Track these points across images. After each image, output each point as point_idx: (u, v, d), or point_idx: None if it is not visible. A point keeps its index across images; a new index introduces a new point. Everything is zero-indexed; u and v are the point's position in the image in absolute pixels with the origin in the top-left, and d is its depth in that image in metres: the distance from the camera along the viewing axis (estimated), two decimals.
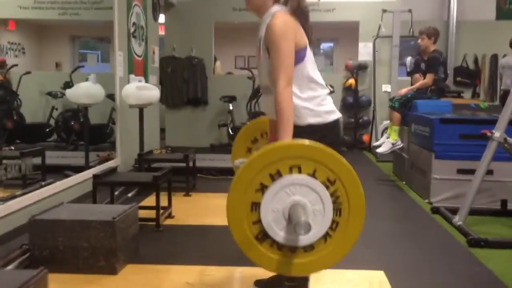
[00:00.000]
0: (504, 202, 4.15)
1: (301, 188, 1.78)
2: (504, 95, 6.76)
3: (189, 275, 2.80)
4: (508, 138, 3.68)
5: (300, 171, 1.77)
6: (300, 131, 2.00)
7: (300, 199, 1.78)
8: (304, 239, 1.78)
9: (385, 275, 2.83)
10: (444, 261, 3.16)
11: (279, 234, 1.79)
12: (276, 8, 2.07)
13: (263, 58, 2.08)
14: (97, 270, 2.76)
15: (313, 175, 1.77)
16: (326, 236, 1.81)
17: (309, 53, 2.09)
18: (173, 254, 3.20)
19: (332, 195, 1.78)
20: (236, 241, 1.83)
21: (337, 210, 1.79)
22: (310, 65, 2.08)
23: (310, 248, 1.81)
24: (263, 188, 1.78)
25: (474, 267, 3.04)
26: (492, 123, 3.95)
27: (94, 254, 2.76)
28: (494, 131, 3.73)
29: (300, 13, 2.08)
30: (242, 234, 1.81)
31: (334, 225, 1.80)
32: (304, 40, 2.07)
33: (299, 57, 2.03)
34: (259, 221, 1.79)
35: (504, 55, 9.00)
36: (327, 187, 1.78)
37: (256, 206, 1.79)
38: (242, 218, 1.80)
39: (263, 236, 1.81)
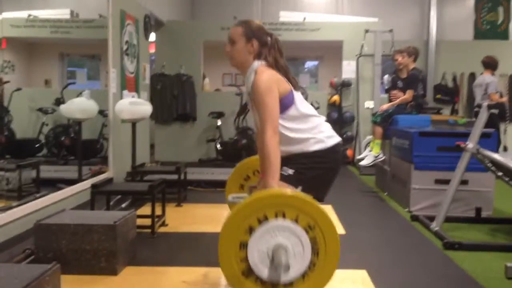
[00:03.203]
0: (478, 210, 4.40)
1: (284, 232, 2.01)
2: (476, 113, 7.06)
3: (185, 275, 3.00)
4: (481, 149, 3.94)
5: (284, 217, 2.01)
6: (309, 156, 2.33)
7: (283, 241, 2.01)
8: (285, 277, 2.01)
9: (368, 273, 3.06)
10: (421, 261, 3.40)
11: (263, 271, 2.02)
12: (257, 64, 2.35)
13: (254, 108, 2.36)
14: (98, 271, 2.94)
15: (295, 220, 2.01)
16: (304, 275, 2.03)
17: (296, 94, 2.37)
18: (169, 257, 3.39)
19: (311, 239, 2.01)
20: (225, 276, 2.06)
21: (315, 252, 2.02)
22: (301, 104, 2.37)
23: (289, 285, 2.04)
24: (251, 230, 2.01)
25: (449, 267, 3.28)
26: (467, 136, 4.22)
27: (96, 256, 2.94)
28: (467, 142, 4.00)
29: (279, 68, 2.36)
30: (230, 269, 2.03)
31: (311, 265, 2.03)
32: (287, 86, 2.34)
33: (288, 101, 2.32)
34: (246, 259, 2.02)
35: (482, 74, 9.39)
36: (307, 232, 2.01)
37: (244, 245, 2.02)
38: (231, 255, 2.02)
39: (249, 272, 2.03)
